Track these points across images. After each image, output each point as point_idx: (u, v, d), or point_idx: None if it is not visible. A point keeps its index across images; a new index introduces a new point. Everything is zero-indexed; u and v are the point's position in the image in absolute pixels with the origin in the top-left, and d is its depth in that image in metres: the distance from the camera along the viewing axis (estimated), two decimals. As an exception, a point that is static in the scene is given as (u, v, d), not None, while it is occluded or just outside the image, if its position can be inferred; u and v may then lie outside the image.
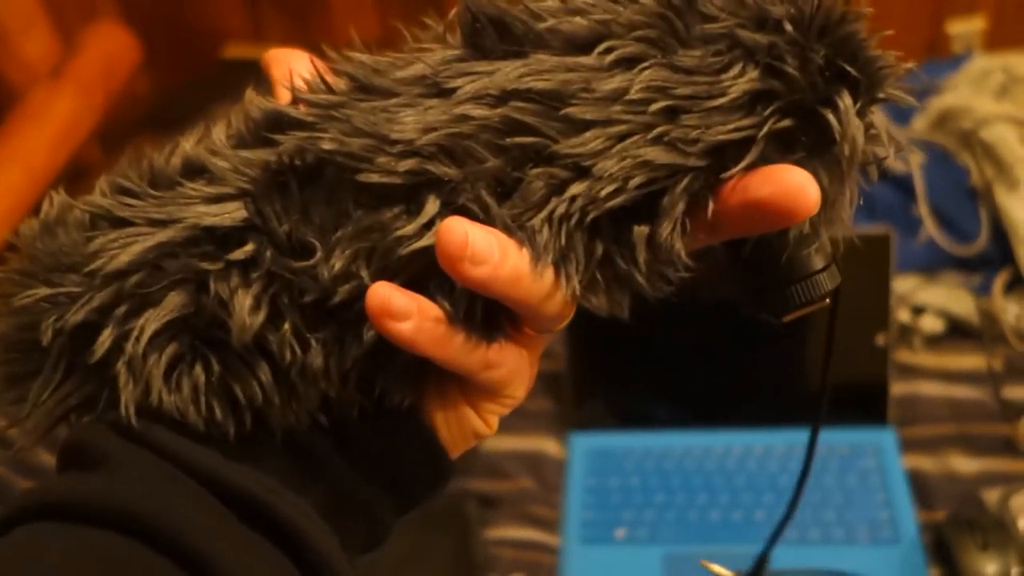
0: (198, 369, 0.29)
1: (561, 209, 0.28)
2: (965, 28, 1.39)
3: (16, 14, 1.33)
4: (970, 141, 1.11)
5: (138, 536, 0.27)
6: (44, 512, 0.28)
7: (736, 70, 0.28)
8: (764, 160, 0.28)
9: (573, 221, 0.28)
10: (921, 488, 0.92)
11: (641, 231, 0.28)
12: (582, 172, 0.27)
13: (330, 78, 0.30)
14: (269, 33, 1.63)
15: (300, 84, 0.30)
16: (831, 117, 0.28)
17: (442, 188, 0.28)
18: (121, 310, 0.29)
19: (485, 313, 0.29)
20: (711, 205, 0.28)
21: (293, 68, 0.32)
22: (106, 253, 0.29)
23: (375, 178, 0.28)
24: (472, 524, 0.91)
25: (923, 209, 1.08)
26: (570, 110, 0.27)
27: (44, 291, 0.29)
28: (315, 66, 0.31)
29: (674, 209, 0.28)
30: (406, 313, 0.28)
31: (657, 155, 0.27)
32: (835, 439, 0.97)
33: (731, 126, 0.27)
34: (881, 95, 0.29)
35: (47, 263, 0.30)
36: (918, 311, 1.04)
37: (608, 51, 0.28)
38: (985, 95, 1.16)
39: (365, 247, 0.28)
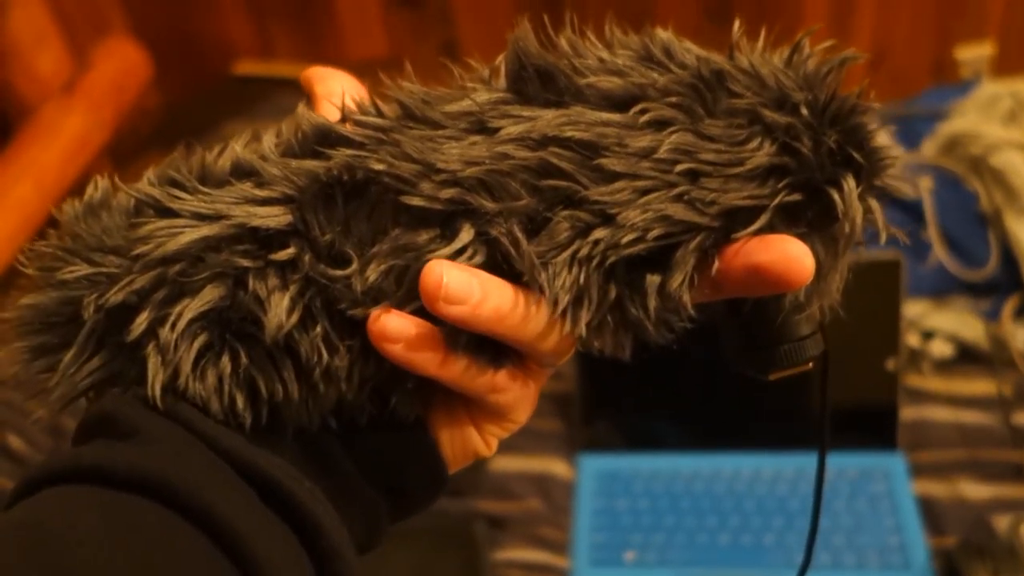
0: (225, 359, 0.30)
1: (584, 251, 0.30)
2: (973, 54, 1.40)
3: (28, 30, 1.34)
4: (979, 167, 1.11)
5: (172, 506, 0.28)
6: (76, 476, 0.28)
7: (755, 144, 0.30)
8: (771, 228, 0.30)
9: (593, 263, 0.30)
10: (931, 513, 0.92)
11: (653, 280, 0.30)
12: (607, 219, 0.30)
13: (380, 102, 0.32)
14: (278, 50, 1.64)
15: (351, 105, 0.32)
16: (836, 197, 0.30)
17: (477, 218, 0.30)
18: (160, 295, 0.30)
19: (493, 342, 0.31)
20: (716, 263, 0.30)
21: (342, 88, 0.34)
22: (154, 239, 0.30)
23: (418, 202, 0.30)
24: (480, 545, 0.91)
25: (933, 234, 1.08)
26: (603, 161, 0.30)
27: (86, 269, 0.31)
28: (367, 90, 0.33)
29: (686, 263, 0.30)
30: (397, 336, 0.29)
31: (676, 211, 0.29)
32: (845, 463, 0.97)
33: (745, 193, 0.30)
34: (879, 183, 0.32)
35: (90, 243, 0.31)
36: (927, 336, 1.05)
37: (643, 112, 0.30)
38: (993, 121, 1.16)
39: (399, 264, 0.30)
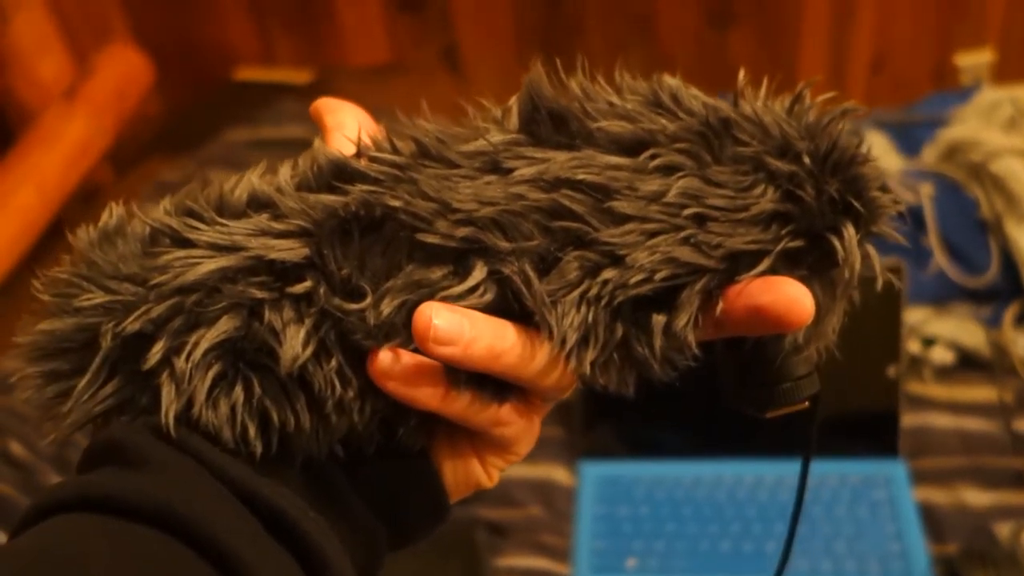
0: (238, 389, 0.30)
1: (593, 291, 0.30)
2: (973, 60, 1.40)
3: (31, 36, 1.34)
4: (979, 173, 1.11)
5: (179, 536, 0.28)
6: (84, 504, 0.29)
7: (759, 190, 0.31)
8: (772, 271, 0.31)
9: (602, 303, 0.31)
10: (932, 521, 0.92)
11: (659, 319, 0.31)
12: (616, 260, 0.30)
13: (395, 139, 0.33)
14: (280, 55, 1.64)
15: (367, 141, 0.33)
16: (837, 244, 0.31)
17: (490, 257, 0.31)
18: (175, 324, 0.30)
19: (494, 378, 0.32)
20: (720, 304, 0.31)
21: (356, 122, 0.35)
22: (172, 269, 0.31)
23: (433, 239, 0.30)
24: (481, 552, 0.91)
25: (933, 240, 1.09)
26: (613, 204, 0.30)
27: (101, 297, 0.31)
28: (382, 127, 0.34)
29: (691, 304, 0.31)
30: (395, 373, 0.30)
31: (683, 254, 0.30)
32: (846, 470, 0.97)
33: (749, 238, 0.31)
34: (875, 230, 0.33)
35: (106, 270, 0.32)
36: (928, 343, 1.05)
37: (653, 157, 0.31)
38: (994, 128, 1.16)
39: (412, 300, 0.30)
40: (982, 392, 1.01)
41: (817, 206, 0.31)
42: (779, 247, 0.31)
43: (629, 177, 0.31)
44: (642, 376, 0.32)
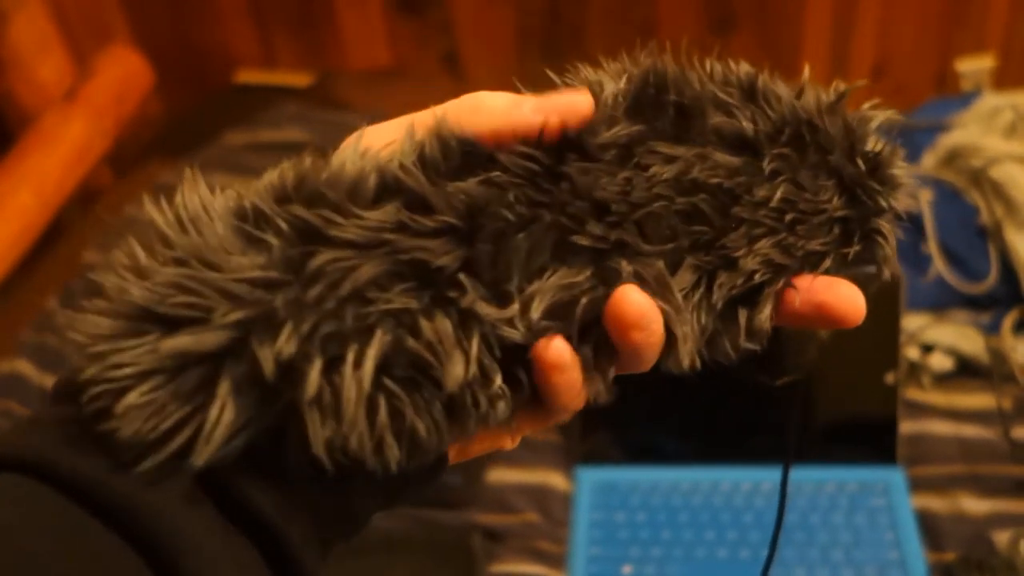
0: (384, 411, 0.27)
1: (712, 293, 0.32)
2: (974, 66, 1.40)
3: (31, 37, 1.34)
4: (979, 179, 1.11)
5: (121, 531, 0.26)
6: (42, 472, 0.27)
7: (828, 194, 0.33)
8: (829, 271, 0.33)
9: (716, 305, 0.32)
10: (930, 528, 0.91)
11: (744, 314, 0.33)
12: (730, 263, 0.32)
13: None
14: (280, 59, 1.64)
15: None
16: (886, 247, 0.34)
17: (632, 258, 0.31)
18: (324, 337, 0.26)
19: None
20: (797, 299, 0.33)
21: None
22: (326, 276, 0.27)
23: (585, 242, 0.30)
24: (477, 558, 0.90)
25: (932, 247, 1.08)
26: (736, 209, 0.32)
27: (238, 313, 0.26)
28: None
29: (771, 300, 0.33)
30: (568, 364, 0.30)
31: (776, 256, 0.32)
32: (844, 477, 0.97)
33: (821, 240, 0.33)
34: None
35: (231, 272, 0.27)
36: (927, 349, 1.04)
37: (764, 160, 0.32)
38: (994, 134, 1.16)
39: (557, 301, 0.30)
40: (981, 399, 1.01)
41: (871, 209, 0.33)
42: (851, 253, 0.33)
43: (748, 182, 0.32)
44: (709, 362, 0.34)
